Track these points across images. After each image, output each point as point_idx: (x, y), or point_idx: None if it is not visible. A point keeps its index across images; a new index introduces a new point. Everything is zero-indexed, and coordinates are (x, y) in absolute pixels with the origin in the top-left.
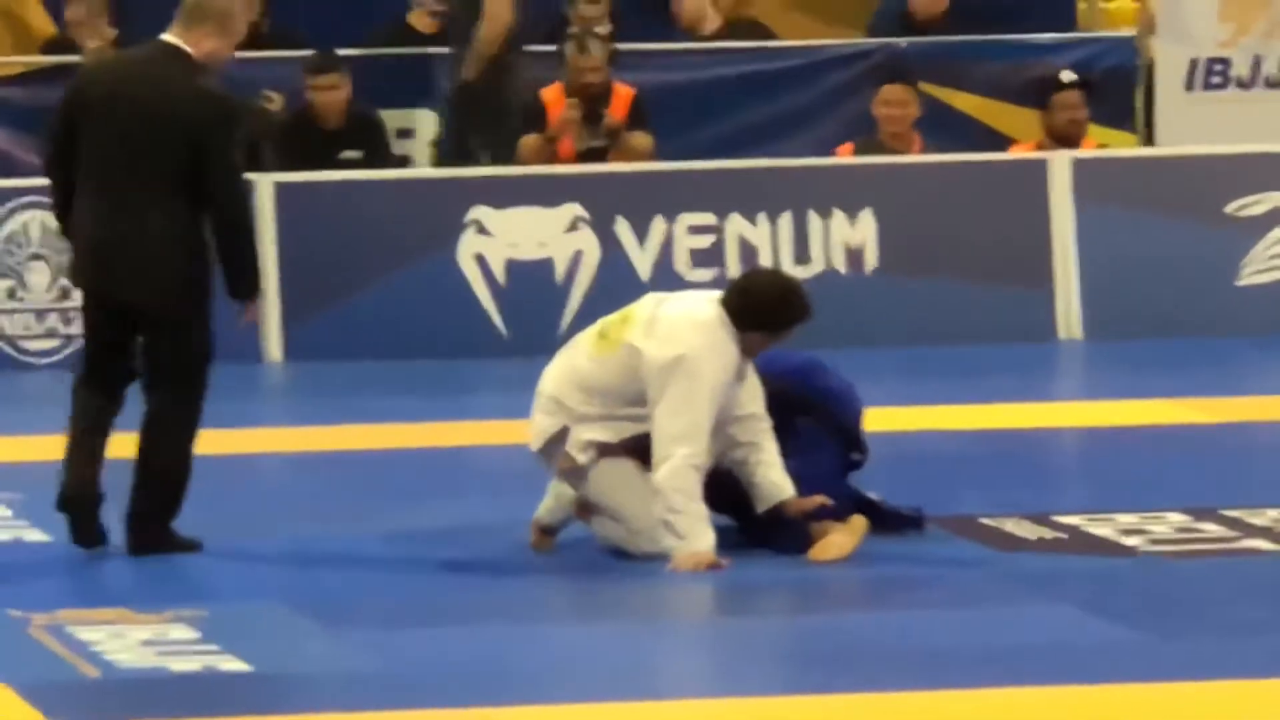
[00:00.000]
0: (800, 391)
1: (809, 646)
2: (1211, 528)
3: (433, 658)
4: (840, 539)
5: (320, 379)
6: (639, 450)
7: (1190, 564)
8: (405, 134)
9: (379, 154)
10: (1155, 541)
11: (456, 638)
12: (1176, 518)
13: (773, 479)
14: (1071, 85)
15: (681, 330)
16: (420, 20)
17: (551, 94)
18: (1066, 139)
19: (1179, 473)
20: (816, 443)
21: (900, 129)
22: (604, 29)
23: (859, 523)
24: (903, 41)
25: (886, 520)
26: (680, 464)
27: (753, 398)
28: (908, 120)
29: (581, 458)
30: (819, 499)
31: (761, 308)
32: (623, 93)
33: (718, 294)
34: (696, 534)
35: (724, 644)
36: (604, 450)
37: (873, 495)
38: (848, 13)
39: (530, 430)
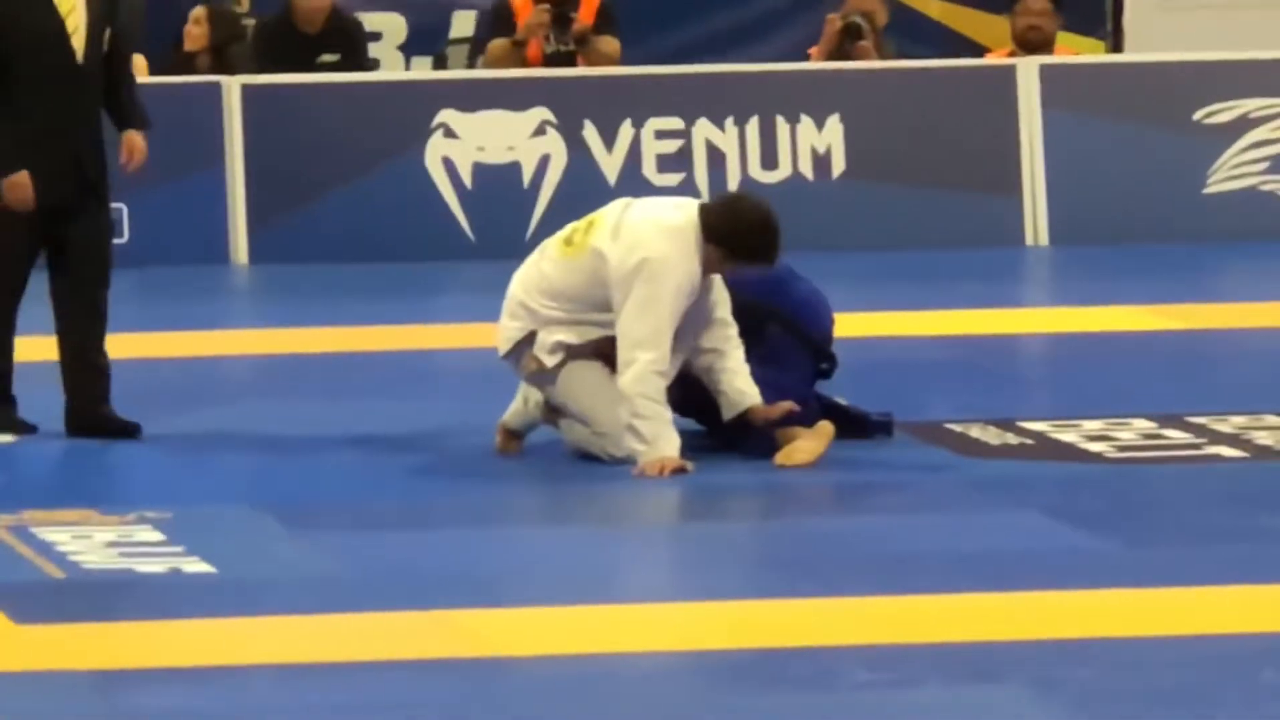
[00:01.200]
0: (769, 300)
1: (774, 551)
2: (1177, 434)
3: (398, 561)
4: (807, 444)
5: (286, 282)
6: (607, 354)
7: (1155, 470)
8: (373, 37)
9: (357, 57)
10: (1121, 448)
11: (421, 541)
12: (1142, 424)
13: (738, 386)
14: None
15: (646, 235)
16: None
17: None
18: (1029, 45)
19: (1145, 379)
20: (784, 350)
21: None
22: None
23: (826, 428)
24: None
25: (855, 425)
26: (644, 369)
27: (719, 303)
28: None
29: (549, 360)
30: (785, 406)
31: (742, 233)
32: None
33: (686, 200)
34: (662, 439)
35: (689, 548)
36: (572, 353)
37: (841, 400)
38: None
39: (498, 334)
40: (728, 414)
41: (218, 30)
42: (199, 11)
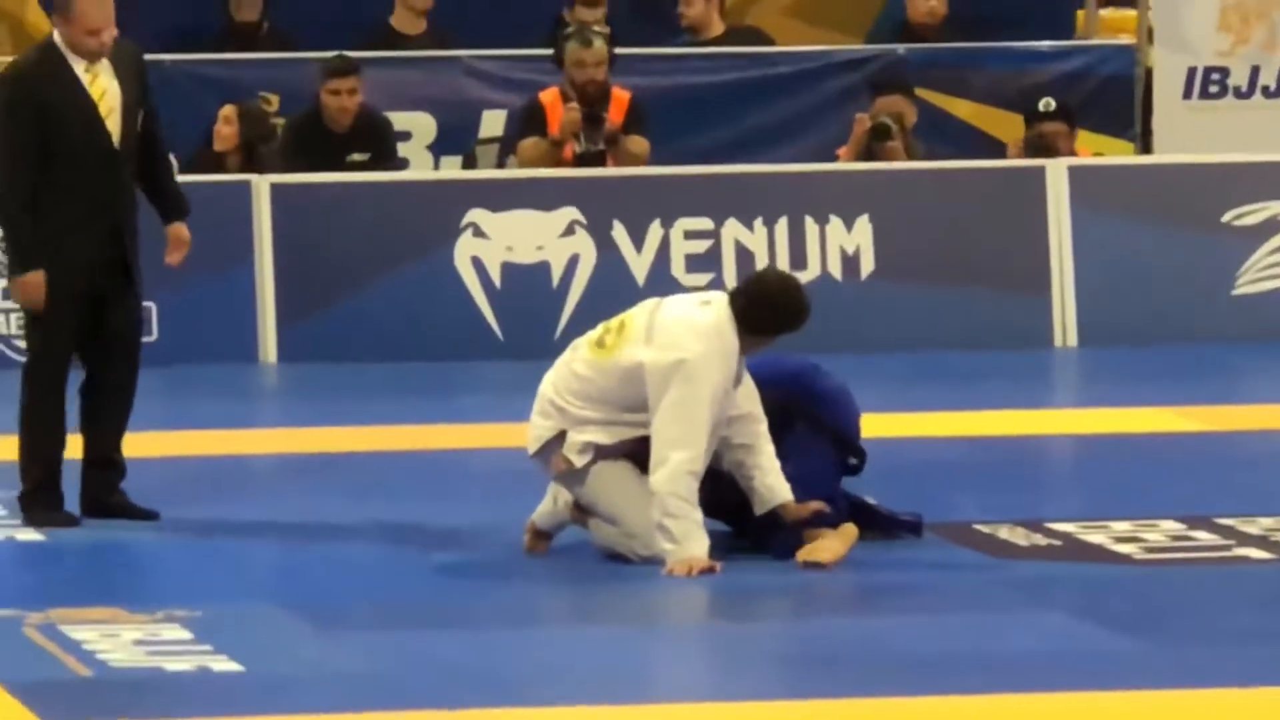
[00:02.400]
0: (796, 395)
1: (802, 651)
2: (1205, 536)
3: (424, 659)
4: (830, 544)
5: (315, 380)
6: (636, 454)
7: (1183, 572)
8: (402, 136)
9: (386, 155)
10: (1149, 549)
11: (448, 640)
12: (1170, 525)
13: (769, 483)
14: (1050, 115)
15: (681, 335)
16: (402, 22)
17: (549, 97)
18: (1036, 152)
19: (1173, 481)
20: (811, 446)
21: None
22: (602, 30)
23: (849, 530)
24: (901, 48)
25: (884, 525)
26: (677, 468)
27: (748, 398)
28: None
29: (578, 460)
30: (816, 505)
31: (770, 311)
32: (620, 96)
33: (713, 295)
34: (691, 538)
35: (717, 648)
36: (601, 453)
37: (870, 500)
38: (847, 20)
39: (528, 432)
40: (758, 510)
41: (247, 129)
42: (228, 110)
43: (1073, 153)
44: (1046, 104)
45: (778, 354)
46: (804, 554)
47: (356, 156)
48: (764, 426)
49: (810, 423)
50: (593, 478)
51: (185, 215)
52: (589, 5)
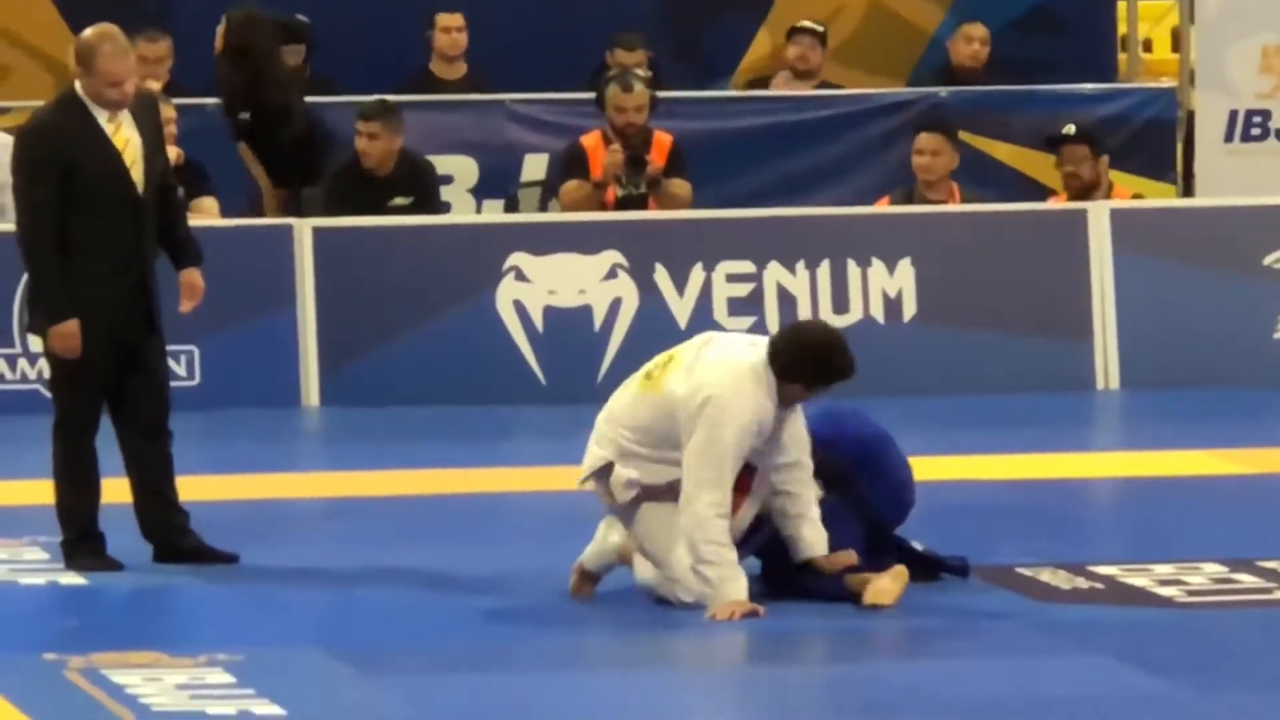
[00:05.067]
0: (846, 464)
1: (846, 696)
2: (1248, 579)
3: (469, 705)
4: (889, 585)
5: (357, 425)
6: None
7: (1226, 615)
8: (444, 180)
9: (429, 199)
10: (1192, 592)
11: (493, 685)
12: (1213, 568)
13: (805, 535)
14: (1071, 139)
15: (715, 374)
16: (441, 67)
17: (591, 140)
18: (1073, 192)
19: (1215, 524)
20: (840, 519)
21: (935, 178)
22: (643, 74)
23: (901, 571)
24: (943, 91)
25: (930, 569)
26: (705, 512)
27: (796, 445)
28: (942, 169)
29: (620, 495)
30: (849, 557)
31: (806, 361)
32: (662, 140)
33: (761, 338)
34: (728, 582)
35: (763, 693)
36: (647, 492)
37: (917, 545)
38: (890, 63)
39: (584, 458)
40: (796, 558)
41: (237, 35)
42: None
43: (1096, 177)
44: (1068, 128)
45: (858, 415)
46: (869, 597)
47: (399, 201)
48: (807, 474)
49: (847, 496)
50: (640, 517)
51: (199, 262)
52: (630, 49)
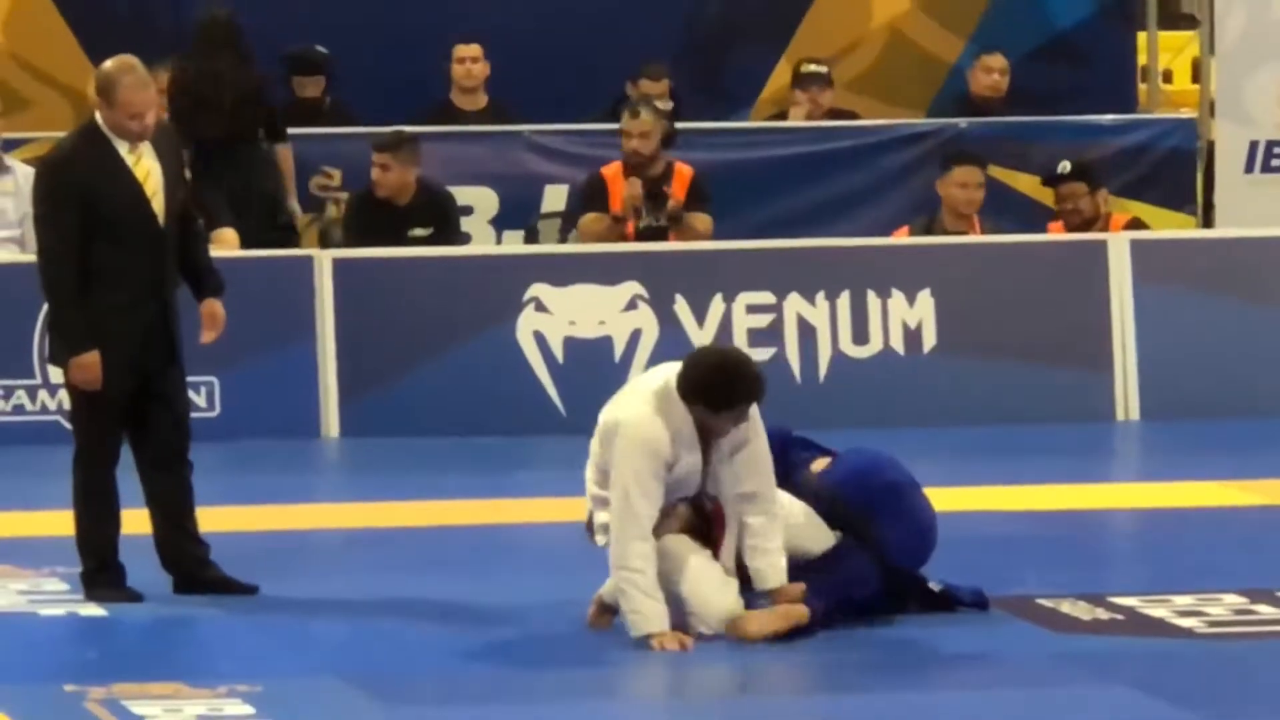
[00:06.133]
0: (858, 505)
1: None
2: (1267, 610)
3: None
4: (762, 617)
5: (377, 455)
6: (696, 527)
7: (1246, 646)
8: (464, 211)
9: (448, 230)
10: (1212, 624)
11: (512, 715)
12: (1233, 600)
13: (757, 565)
14: (1068, 177)
15: (626, 397)
16: (461, 98)
17: (611, 171)
18: (1072, 227)
19: (1236, 555)
20: (847, 558)
21: (969, 211)
22: (664, 104)
23: (796, 611)
24: (963, 122)
25: (947, 606)
26: (620, 538)
27: (752, 475)
28: (976, 204)
29: (599, 540)
30: (799, 588)
31: (704, 383)
32: (683, 172)
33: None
34: (645, 614)
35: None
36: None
37: (934, 586)
38: (910, 94)
39: None
40: (756, 588)
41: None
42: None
43: (1096, 211)
44: (1064, 166)
45: (889, 462)
46: (731, 628)
47: (418, 232)
48: (769, 505)
49: (863, 536)
50: (660, 554)
51: (220, 293)
52: (653, 79)
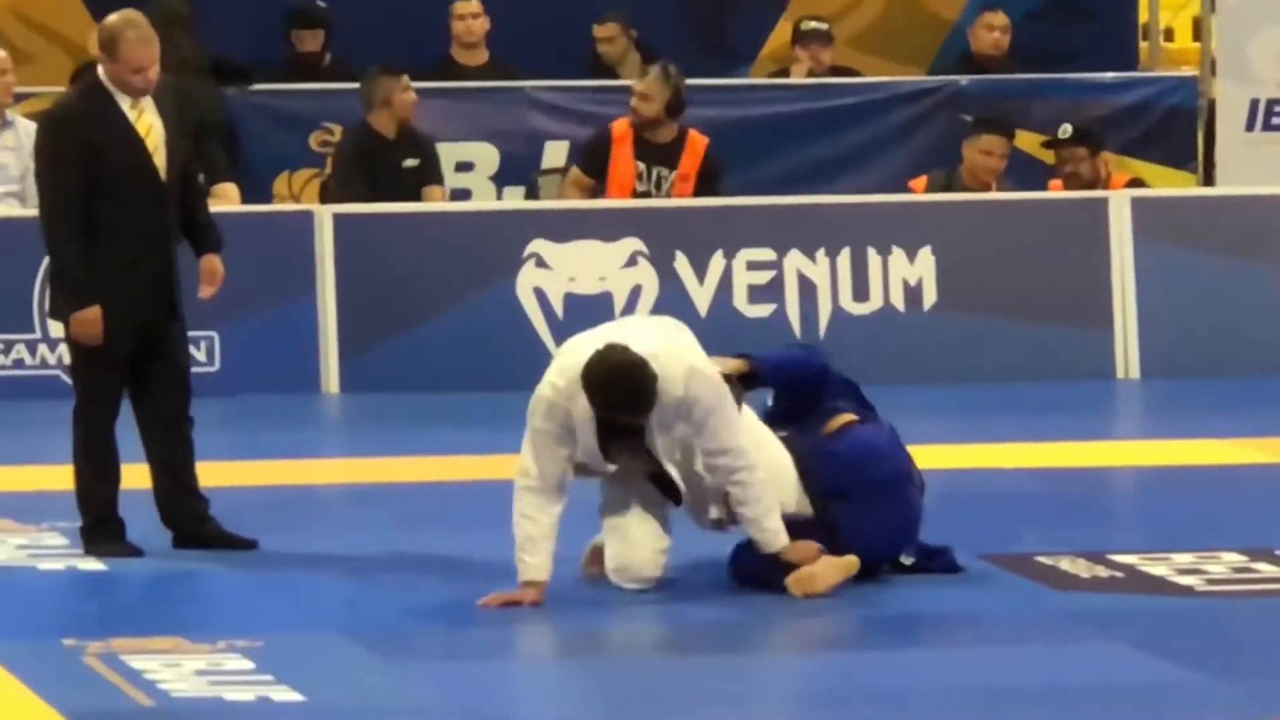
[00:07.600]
0: (850, 485)
1: (867, 683)
2: (1267, 568)
3: (489, 690)
4: (825, 571)
5: (377, 411)
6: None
7: (1245, 604)
8: (465, 167)
9: (431, 164)
10: (1211, 581)
11: (512, 670)
12: (1232, 558)
13: (754, 538)
14: (1068, 141)
15: (550, 368)
16: (462, 54)
17: (620, 128)
18: (1073, 189)
19: (1236, 513)
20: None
21: (988, 179)
22: (618, 51)
23: (851, 562)
24: (965, 80)
25: (925, 569)
26: (516, 486)
27: (723, 450)
28: (997, 172)
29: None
30: (811, 548)
31: (585, 383)
32: (697, 144)
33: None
34: (523, 564)
35: (782, 679)
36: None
37: (905, 559)
38: (911, 51)
39: None
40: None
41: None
42: None
43: (1096, 173)
44: (1064, 130)
45: (884, 450)
46: (792, 583)
47: (409, 162)
48: (742, 463)
49: (832, 514)
50: (608, 501)
51: (220, 248)
52: (601, 23)
